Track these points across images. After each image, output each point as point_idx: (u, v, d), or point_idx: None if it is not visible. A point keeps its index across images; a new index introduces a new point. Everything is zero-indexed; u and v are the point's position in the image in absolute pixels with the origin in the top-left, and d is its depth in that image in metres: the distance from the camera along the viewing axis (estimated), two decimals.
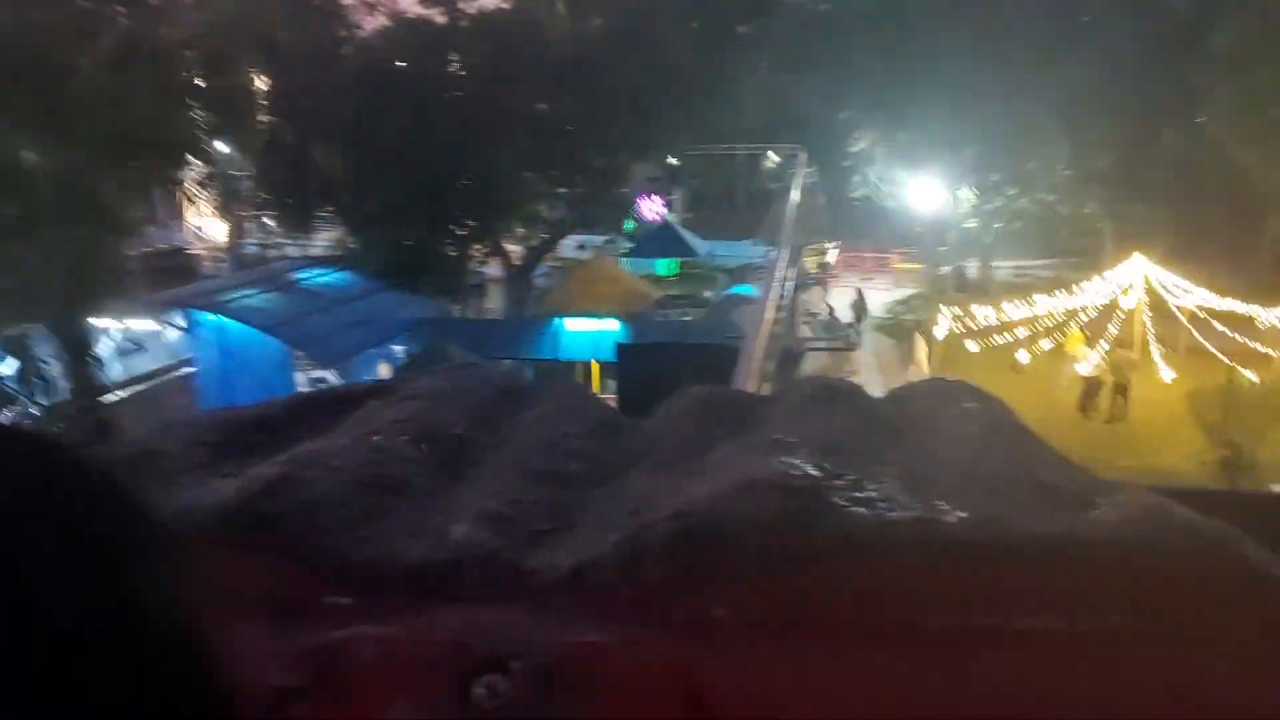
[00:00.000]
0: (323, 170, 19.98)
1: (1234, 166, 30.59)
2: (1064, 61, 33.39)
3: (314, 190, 20.52)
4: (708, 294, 30.80)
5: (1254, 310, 22.91)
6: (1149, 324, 22.61)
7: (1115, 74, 35.28)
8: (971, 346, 22.75)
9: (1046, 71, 33.14)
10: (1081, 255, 40.21)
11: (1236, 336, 22.84)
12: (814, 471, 1.53)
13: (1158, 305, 23.15)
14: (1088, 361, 21.12)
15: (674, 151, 34.05)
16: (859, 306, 32.52)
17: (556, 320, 19.68)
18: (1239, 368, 17.56)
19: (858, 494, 1.48)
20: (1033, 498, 1.52)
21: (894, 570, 1.37)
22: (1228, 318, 22.95)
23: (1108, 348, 21.33)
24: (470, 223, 22.04)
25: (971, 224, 38.26)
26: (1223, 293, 22.82)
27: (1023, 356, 22.90)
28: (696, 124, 33.56)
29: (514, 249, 27.83)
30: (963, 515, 1.43)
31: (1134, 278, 22.90)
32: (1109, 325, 22.35)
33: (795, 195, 34.81)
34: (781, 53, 53.62)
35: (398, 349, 17.74)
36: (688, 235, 33.18)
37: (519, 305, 26.38)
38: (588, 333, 18.90)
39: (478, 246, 23.16)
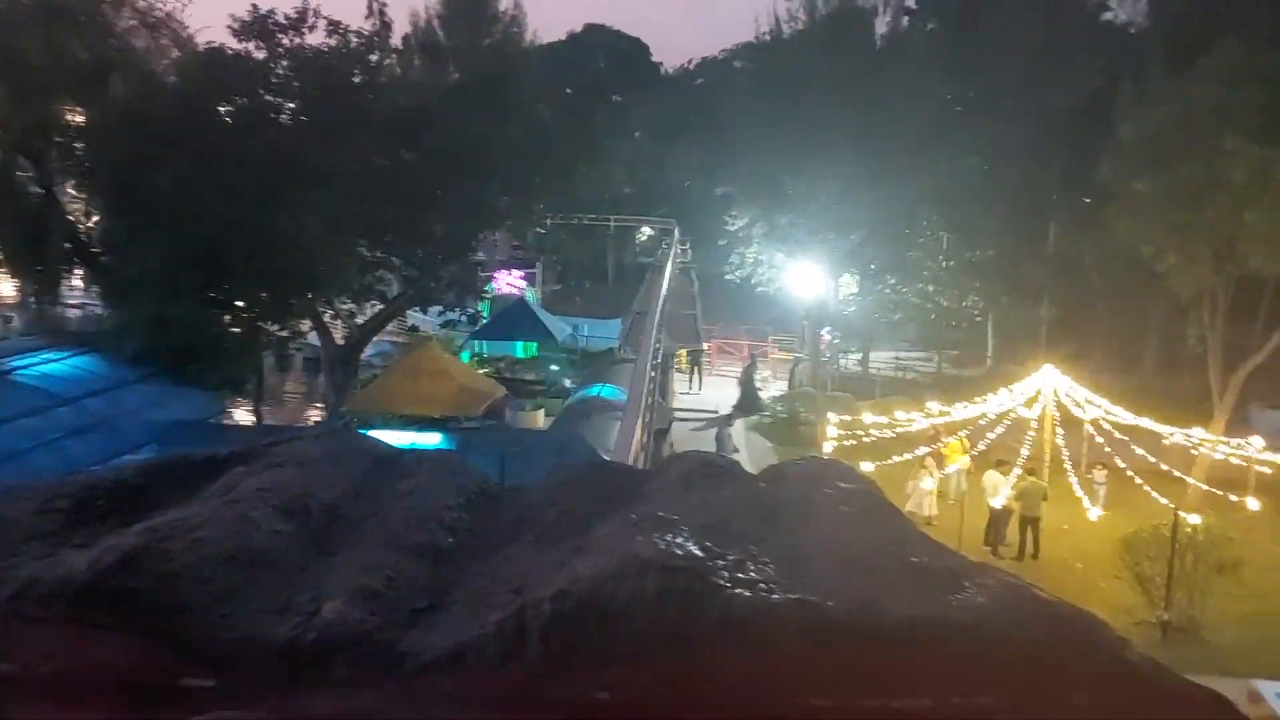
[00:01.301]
0: (69, 223, 15.47)
1: (1131, 263, 29.28)
2: (947, 150, 31.75)
3: (58, 248, 15.93)
4: (570, 383, 27.09)
5: (1162, 428, 20.72)
6: (1062, 442, 20.05)
7: (1000, 165, 34.04)
8: (866, 465, 19.68)
9: (929, 160, 31.39)
10: (961, 349, 38.69)
11: (1147, 455, 20.66)
12: (696, 551, 1.55)
13: (1066, 421, 20.70)
14: (999, 493, 18.25)
15: (534, 221, 30.43)
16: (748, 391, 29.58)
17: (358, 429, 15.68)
18: (1182, 513, 14.91)
19: (740, 575, 1.51)
20: (905, 579, 1.58)
21: (775, 654, 1.39)
22: (1136, 434, 20.76)
23: (1019, 472, 18.57)
24: (265, 296, 17.69)
25: (851, 311, 36.02)
26: (1111, 398, 20.74)
27: (928, 484, 20.00)
28: (562, 192, 30.14)
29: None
30: (841, 598, 1.48)
31: (1043, 388, 20.38)
32: (1020, 446, 19.78)
33: (669, 270, 31.83)
34: (658, 123, 51.72)
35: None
36: (545, 315, 29.46)
37: (341, 394, 22.02)
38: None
39: (276, 326, 18.78)
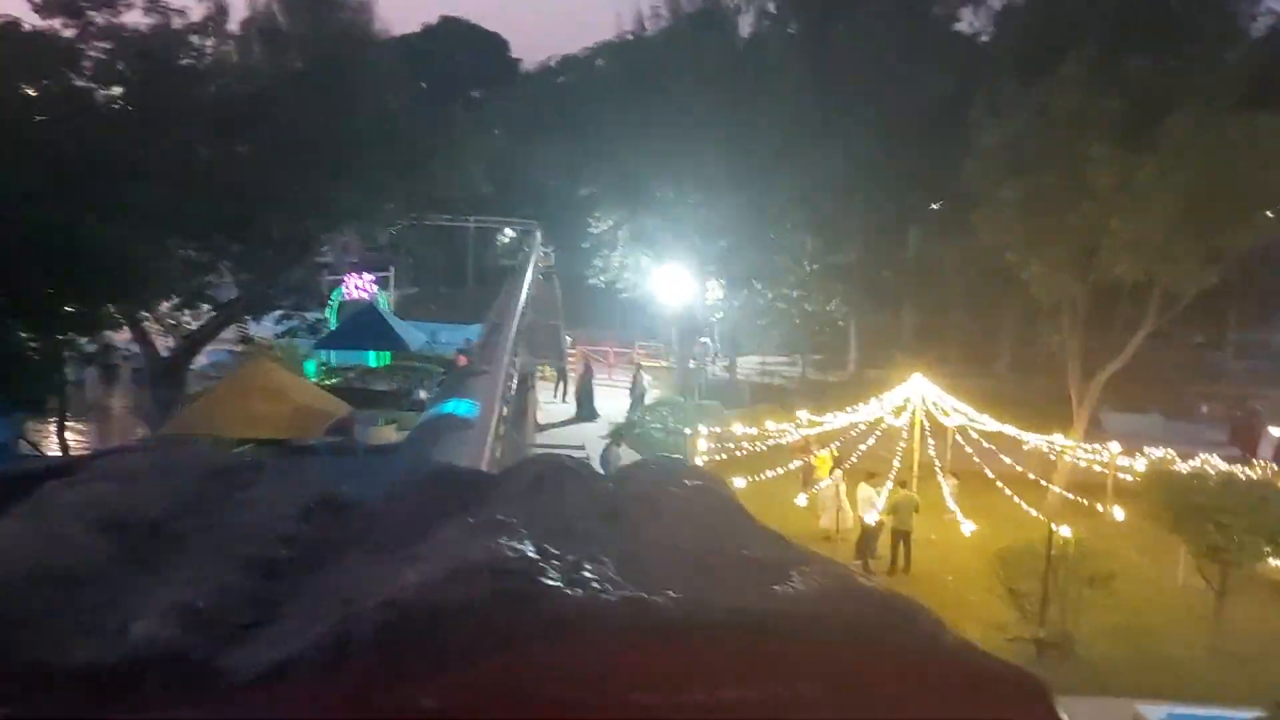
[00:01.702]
0: None
1: (989, 268, 29.72)
2: (810, 154, 31.54)
3: None
4: (424, 395, 25.41)
5: (1024, 435, 20.77)
6: (936, 450, 19.80)
7: (861, 169, 34.13)
8: (738, 482, 18.92)
9: (793, 163, 31.12)
10: (825, 353, 38.80)
11: (1014, 463, 20.68)
12: (532, 553, 1.56)
13: (934, 429, 20.49)
14: (873, 507, 17.76)
15: (384, 221, 28.58)
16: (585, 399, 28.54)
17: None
18: (1056, 526, 14.64)
19: (575, 575, 1.51)
20: (737, 572, 1.64)
21: (605, 652, 1.39)
22: (999, 440, 20.76)
23: (890, 486, 18.14)
24: (70, 305, 15.52)
25: (718, 317, 35.56)
26: (969, 402, 20.73)
27: (801, 500, 19.41)
28: (415, 191, 28.38)
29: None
30: (672, 594, 1.50)
31: (912, 397, 20.07)
32: (891, 456, 19.41)
33: (529, 275, 30.51)
34: (518, 122, 50.21)
35: None
36: (398, 322, 27.63)
37: (166, 411, 19.80)
38: None
39: (84, 338, 16.57)
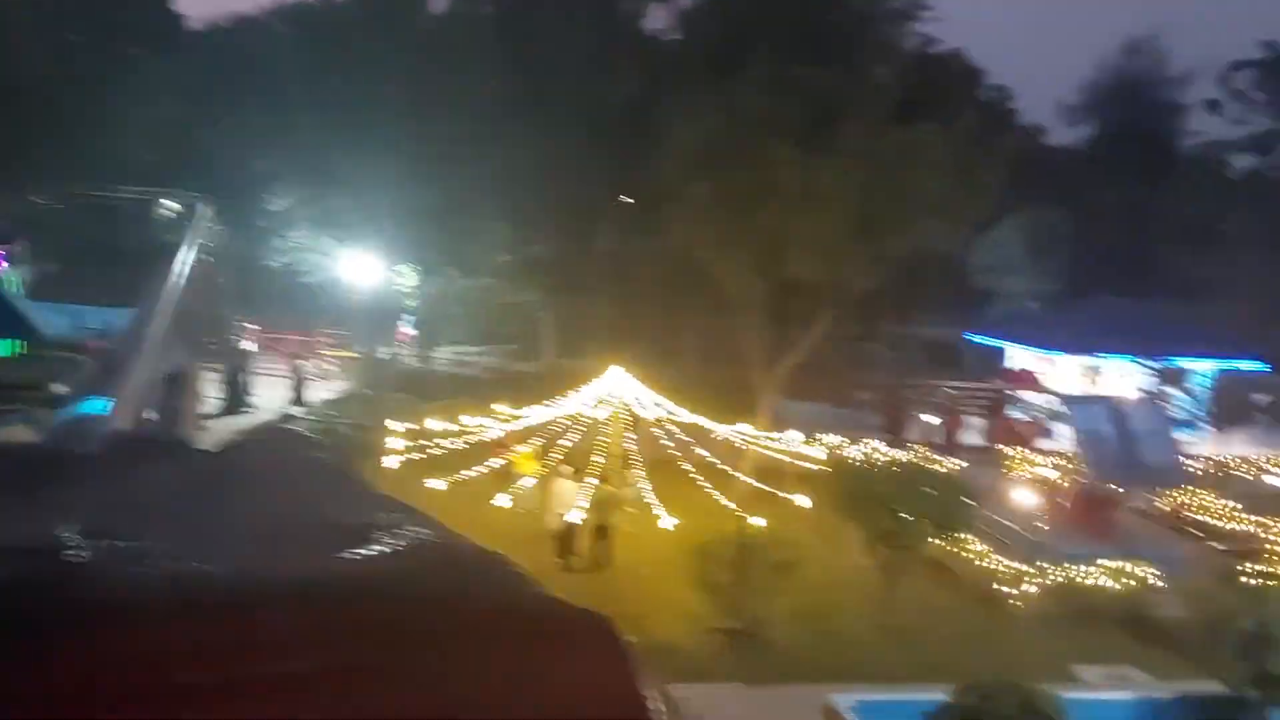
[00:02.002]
0: None
1: (678, 262, 30.51)
2: (504, 142, 30.81)
3: None
4: (62, 388, 21.92)
5: (716, 426, 21.43)
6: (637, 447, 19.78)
7: (554, 161, 33.89)
8: (436, 484, 17.86)
9: (487, 150, 30.25)
10: (521, 344, 38.37)
11: (707, 453, 21.24)
12: (73, 535, 1.50)
13: (633, 423, 20.56)
14: (574, 505, 17.38)
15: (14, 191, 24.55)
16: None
17: None
18: (747, 516, 15.01)
19: (126, 554, 1.49)
20: (320, 541, 1.63)
21: (144, 632, 1.33)
22: (694, 431, 21.27)
23: (594, 481, 17.89)
24: None
25: (412, 306, 34.01)
26: (660, 391, 21.18)
27: (503, 500, 18.66)
28: (56, 158, 24.59)
29: None
30: (239, 567, 1.50)
31: (612, 391, 19.97)
32: (592, 451, 19.20)
33: (185, 255, 27.29)
34: (185, 85, 45.21)
35: None
36: (27, 304, 23.64)
37: None
38: None
39: None
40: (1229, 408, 28.56)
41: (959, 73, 42.27)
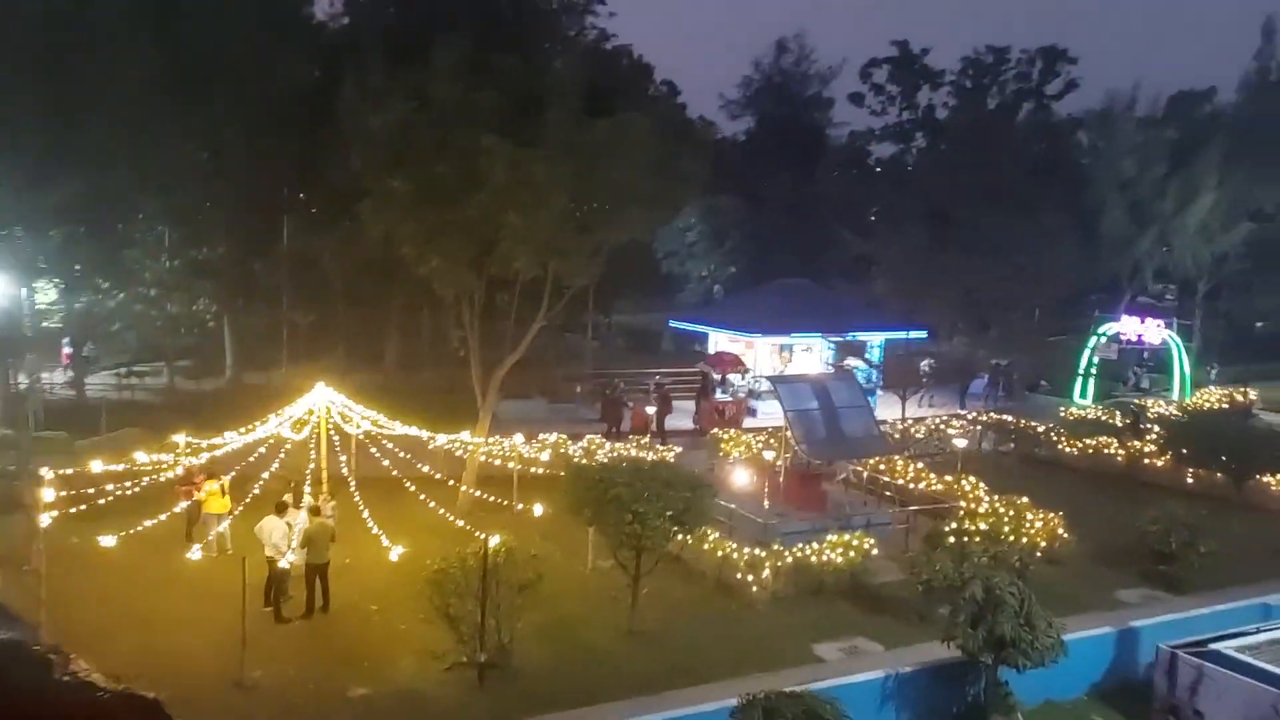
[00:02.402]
0: None
1: (373, 261, 28.50)
2: (163, 134, 27.16)
3: None
4: None
5: (434, 436, 20.08)
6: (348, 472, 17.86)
7: (224, 155, 30.54)
8: (107, 540, 15.08)
9: (143, 144, 26.50)
10: (195, 358, 34.40)
11: (426, 467, 19.85)
12: None
13: (343, 441, 18.69)
14: (283, 545, 15.33)
15: None
16: None
17: None
18: (480, 533, 13.78)
19: None
20: None
21: None
22: (406, 443, 19.80)
23: (304, 518, 15.90)
24: None
25: (51, 324, 29.26)
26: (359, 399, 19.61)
27: (192, 553, 16.17)
28: None
29: None
30: None
31: (317, 408, 17.99)
32: (300, 479, 17.17)
33: None
34: None
35: None
36: None
37: None
38: None
39: None
40: (899, 374, 31.22)
41: (633, 67, 43.11)
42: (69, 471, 17.58)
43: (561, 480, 16.47)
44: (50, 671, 1.61)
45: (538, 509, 17.21)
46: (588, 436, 24.77)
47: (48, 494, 15.51)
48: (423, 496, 18.44)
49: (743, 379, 28.07)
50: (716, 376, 27.37)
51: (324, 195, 31.44)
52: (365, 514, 16.47)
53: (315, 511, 15.98)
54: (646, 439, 25.38)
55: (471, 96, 18.22)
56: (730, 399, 27.66)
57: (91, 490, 16.77)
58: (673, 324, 33.65)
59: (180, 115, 27.86)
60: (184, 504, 17.92)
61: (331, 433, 18.22)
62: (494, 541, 13.85)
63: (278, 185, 32.41)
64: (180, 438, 19.38)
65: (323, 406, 18.06)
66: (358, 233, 30.51)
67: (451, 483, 20.24)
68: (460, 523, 17.26)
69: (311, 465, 18.02)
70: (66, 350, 30.95)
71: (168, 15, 28.04)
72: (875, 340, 33.00)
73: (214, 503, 18.02)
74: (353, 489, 17.60)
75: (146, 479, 17.44)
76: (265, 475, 17.55)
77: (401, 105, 18.23)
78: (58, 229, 24.92)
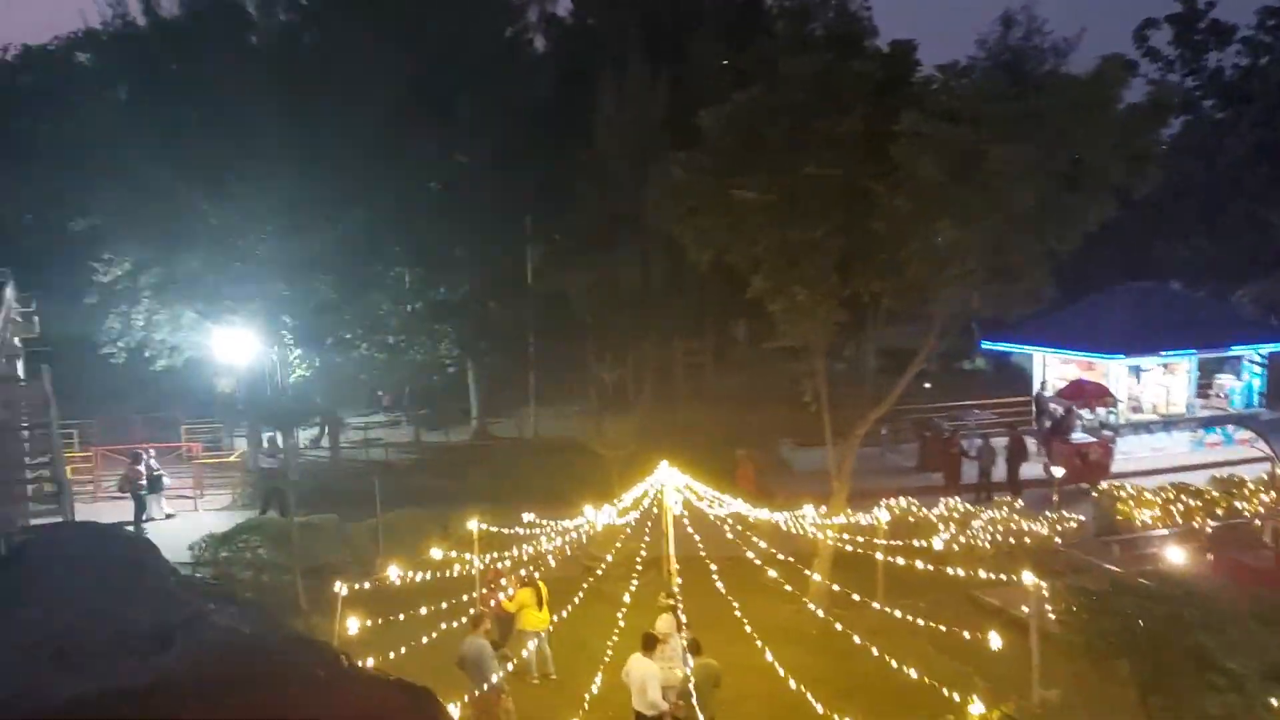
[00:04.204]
0: None
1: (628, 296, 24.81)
2: (401, 167, 24.35)
3: None
4: None
5: (773, 515, 15.51)
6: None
7: (465, 183, 27.55)
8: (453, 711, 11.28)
9: (383, 178, 23.69)
10: (435, 407, 31.56)
11: (781, 553, 15.28)
12: None
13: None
14: (654, 689, 11.13)
15: None
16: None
17: None
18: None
19: None
20: (112, 650, 1.65)
21: None
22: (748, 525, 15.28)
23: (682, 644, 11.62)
24: None
25: (302, 378, 26.69)
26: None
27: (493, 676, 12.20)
28: None
29: None
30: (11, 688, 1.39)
31: (659, 489, 13.73)
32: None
33: None
34: None
35: None
36: None
37: None
38: None
39: None
40: None
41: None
42: (364, 584, 13.98)
43: (1062, 610, 11.42)
44: (339, 662, 1.65)
45: (994, 640, 12.23)
46: (931, 497, 19.67)
47: (351, 625, 12.02)
48: (820, 613, 13.98)
49: (1105, 413, 22.50)
50: (1081, 412, 21.91)
51: (573, 226, 27.99)
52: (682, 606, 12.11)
53: (695, 647, 11.64)
54: (1007, 493, 20.20)
55: (837, 69, 13.67)
56: (1093, 439, 22.08)
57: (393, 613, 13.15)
58: (985, 345, 28.08)
59: (419, 148, 25.03)
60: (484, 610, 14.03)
61: (679, 517, 13.94)
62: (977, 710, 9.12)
63: (520, 217, 29.14)
64: (474, 523, 15.67)
65: (666, 488, 13.79)
66: (612, 265, 27.09)
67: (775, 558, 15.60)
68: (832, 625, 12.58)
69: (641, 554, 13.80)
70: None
71: (407, 45, 25.30)
72: (1253, 354, 26.27)
73: (528, 615, 14.05)
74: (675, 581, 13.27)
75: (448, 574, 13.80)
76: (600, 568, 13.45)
77: (738, 112, 13.84)
78: (295, 279, 22.12)
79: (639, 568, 14.11)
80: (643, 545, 14.50)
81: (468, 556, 14.92)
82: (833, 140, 13.53)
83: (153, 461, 21.37)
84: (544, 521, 15.67)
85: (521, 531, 15.44)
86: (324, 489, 22.92)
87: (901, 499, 19.02)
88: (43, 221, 29.21)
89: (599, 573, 14.68)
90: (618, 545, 13.77)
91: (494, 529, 15.72)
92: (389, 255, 26.62)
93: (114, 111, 24.78)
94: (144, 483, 20.46)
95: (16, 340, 19.89)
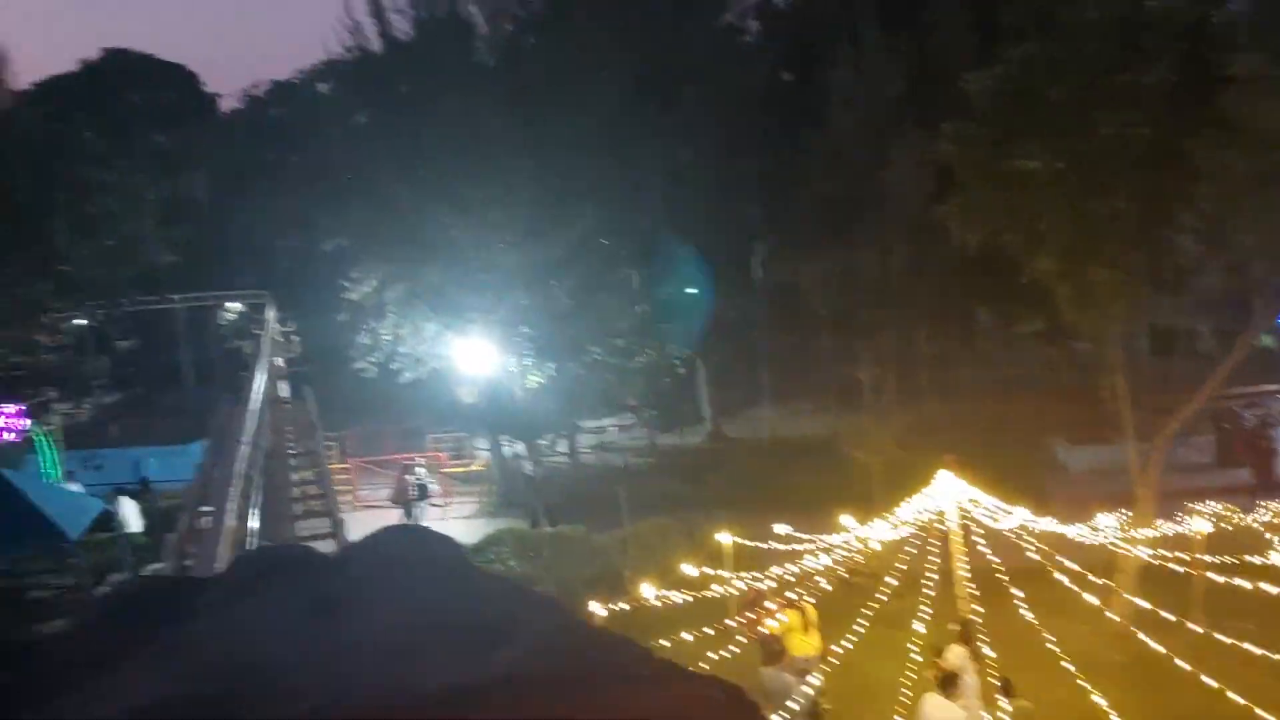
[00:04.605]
0: None
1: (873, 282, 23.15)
2: (624, 169, 23.91)
3: None
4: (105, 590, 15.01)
5: (1073, 530, 13.58)
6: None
7: (691, 171, 26.85)
8: None
9: (614, 176, 23.34)
10: (664, 409, 31.05)
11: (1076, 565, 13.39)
12: (216, 685, 1.47)
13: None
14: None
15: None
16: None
17: None
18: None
19: (267, 693, 1.43)
20: (459, 645, 1.57)
21: None
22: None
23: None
24: None
25: (537, 386, 26.83)
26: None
27: None
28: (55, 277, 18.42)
29: None
30: (382, 686, 1.43)
31: (943, 503, 12.28)
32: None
33: (260, 377, 20.61)
34: (225, 168, 39.39)
35: None
36: (41, 490, 16.64)
37: None
38: None
39: None
40: None
41: None
42: (621, 606, 13.33)
43: None
44: (657, 660, 1.52)
45: None
46: (1252, 500, 16.96)
47: (595, 608, 11.29)
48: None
49: None
50: None
51: (803, 215, 26.62)
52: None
53: (1007, 689, 10.14)
54: None
55: (1137, 11, 11.69)
56: None
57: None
58: None
59: (643, 145, 24.49)
60: (761, 629, 13.00)
61: (964, 528, 12.41)
62: None
63: (746, 209, 28.09)
64: (724, 536, 14.78)
65: (951, 504, 12.30)
66: (849, 253, 25.50)
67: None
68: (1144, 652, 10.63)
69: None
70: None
71: (628, 42, 24.88)
72: None
73: (796, 640, 12.94)
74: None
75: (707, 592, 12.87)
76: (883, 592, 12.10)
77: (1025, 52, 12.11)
78: (557, 280, 22.06)
79: (926, 588, 12.71)
80: (921, 559, 13.08)
81: (724, 574, 14.02)
82: (1134, 95, 11.57)
83: (421, 471, 22.00)
84: (802, 535, 14.60)
85: (778, 547, 14.41)
86: (568, 496, 22.80)
87: (1209, 502, 16.54)
88: (296, 245, 30.95)
89: (860, 585, 13.46)
90: (898, 566, 12.36)
91: (748, 542, 14.78)
92: (617, 257, 26.26)
93: (355, 136, 25.75)
94: (414, 492, 21.03)
95: (280, 360, 20.81)
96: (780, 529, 14.74)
